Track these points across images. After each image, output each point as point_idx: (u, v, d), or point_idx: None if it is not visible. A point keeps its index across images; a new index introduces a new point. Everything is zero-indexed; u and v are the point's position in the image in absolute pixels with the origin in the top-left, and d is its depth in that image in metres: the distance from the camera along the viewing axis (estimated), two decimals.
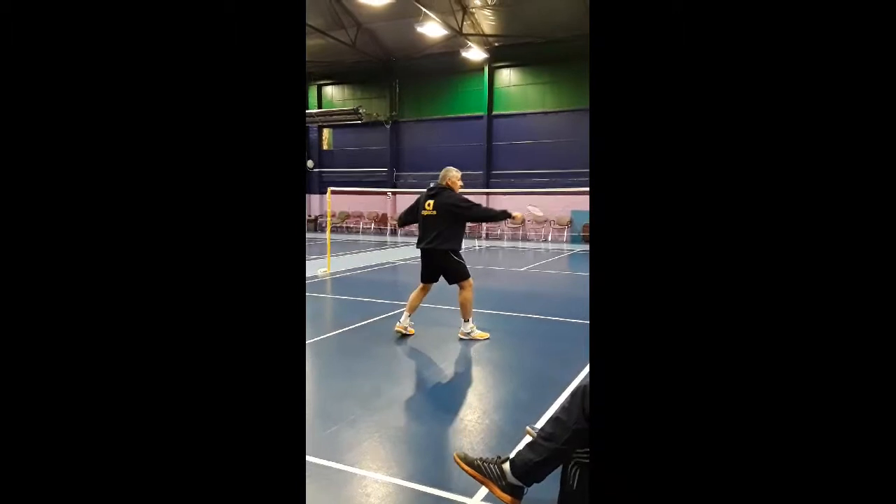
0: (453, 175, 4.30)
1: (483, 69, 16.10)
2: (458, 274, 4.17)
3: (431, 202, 4.16)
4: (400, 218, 4.58)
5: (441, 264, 4.15)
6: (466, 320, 4.24)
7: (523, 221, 4.72)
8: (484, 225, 16.01)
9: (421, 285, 4.32)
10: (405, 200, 18.29)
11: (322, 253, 9.86)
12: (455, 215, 4.11)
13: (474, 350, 4.09)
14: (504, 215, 4.16)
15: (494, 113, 16.33)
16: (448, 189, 4.21)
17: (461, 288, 4.19)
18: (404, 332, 4.30)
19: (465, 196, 4.26)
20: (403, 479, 2.18)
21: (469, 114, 16.54)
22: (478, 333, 4.27)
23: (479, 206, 4.30)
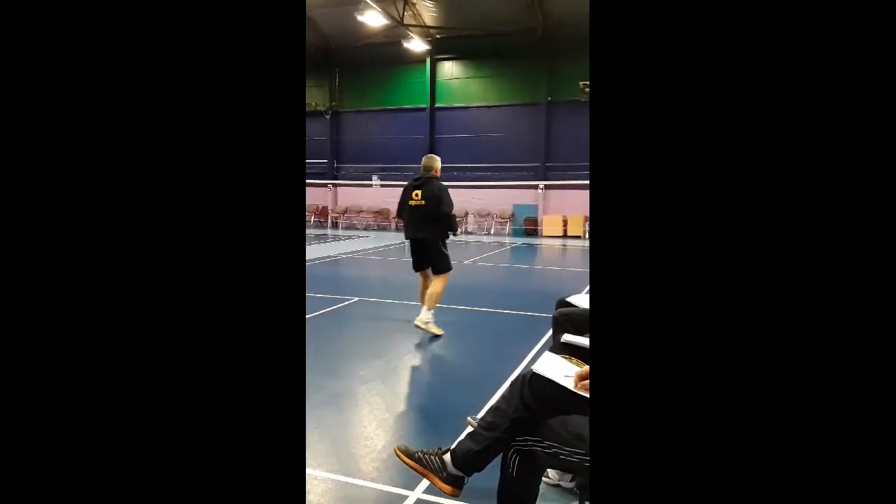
0: (440, 165, 4.32)
1: (425, 61, 16.03)
2: (442, 264, 4.22)
3: (419, 192, 4.14)
4: (398, 213, 4.56)
5: (429, 254, 4.21)
6: (429, 309, 4.16)
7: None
8: None
9: (420, 275, 4.36)
10: (346, 193, 18.05)
11: None
12: (439, 206, 4.10)
13: (417, 343, 4.07)
14: (456, 228, 4.32)
15: (437, 105, 16.32)
16: (435, 179, 4.21)
17: (437, 279, 4.23)
18: (423, 324, 4.19)
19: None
20: (344, 474, 2.14)
21: (411, 105, 16.45)
22: (434, 327, 4.16)
23: (452, 211, 4.28)
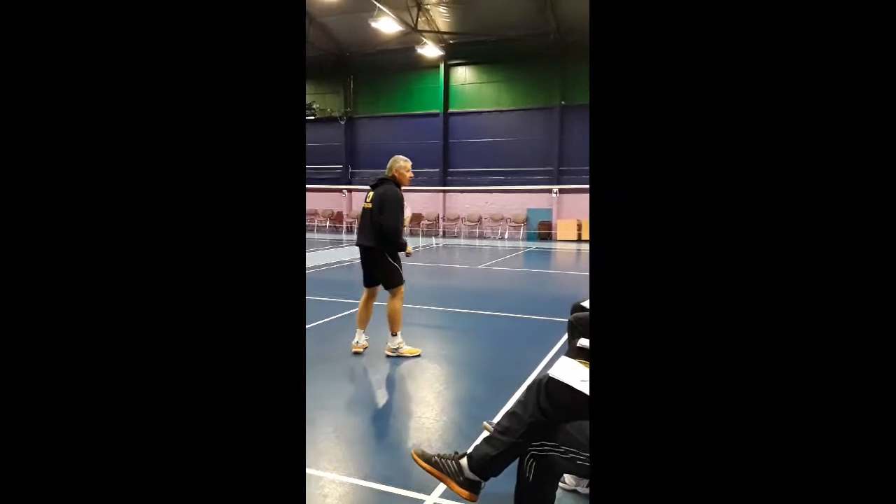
0: (399, 165, 3.77)
1: (438, 66, 16.08)
2: (389, 278, 3.72)
3: (371, 195, 3.73)
4: None
5: (374, 265, 3.75)
6: (394, 334, 3.77)
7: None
8: (441, 222, 16.04)
9: (365, 292, 3.88)
10: (361, 198, 18.11)
11: None
12: (380, 213, 3.60)
13: (433, 347, 4.08)
14: (401, 247, 3.74)
15: (450, 111, 16.35)
16: (390, 182, 3.72)
17: (391, 296, 3.75)
18: (362, 350, 3.88)
19: (402, 201, 3.72)
20: (361, 478, 2.15)
21: (425, 111, 16.50)
22: (407, 350, 3.80)
23: (398, 224, 3.65)
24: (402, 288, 3.79)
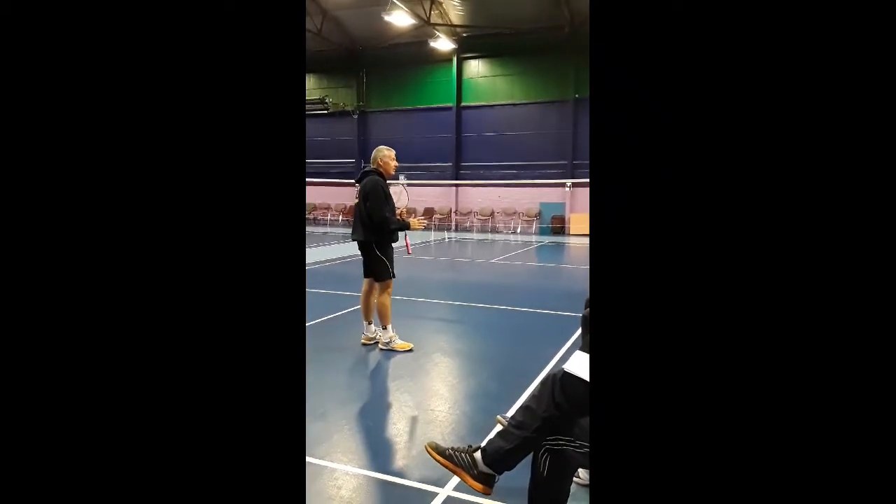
0: (383, 155, 3.79)
1: (451, 60, 16.02)
2: (377, 272, 3.74)
3: (359, 187, 3.74)
4: None
5: (364, 258, 3.80)
6: (384, 327, 3.79)
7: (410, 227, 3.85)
8: (453, 216, 16.02)
9: (364, 282, 3.91)
10: None
11: None
12: (366, 205, 3.64)
13: (445, 340, 4.09)
14: (402, 227, 3.78)
15: (463, 104, 16.29)
16: (374, 173, 3.73)
17: (379, 289, 3.77)
18: (369, 342, 3.92)
19: (386, 190, 3.73)
20: (375, 470, 2.17)
21: (438, 105, 16.46)
22: (399, 344, 3.80)
23: (383, 213, 3.65)
24: (391, 283, 3.80)
